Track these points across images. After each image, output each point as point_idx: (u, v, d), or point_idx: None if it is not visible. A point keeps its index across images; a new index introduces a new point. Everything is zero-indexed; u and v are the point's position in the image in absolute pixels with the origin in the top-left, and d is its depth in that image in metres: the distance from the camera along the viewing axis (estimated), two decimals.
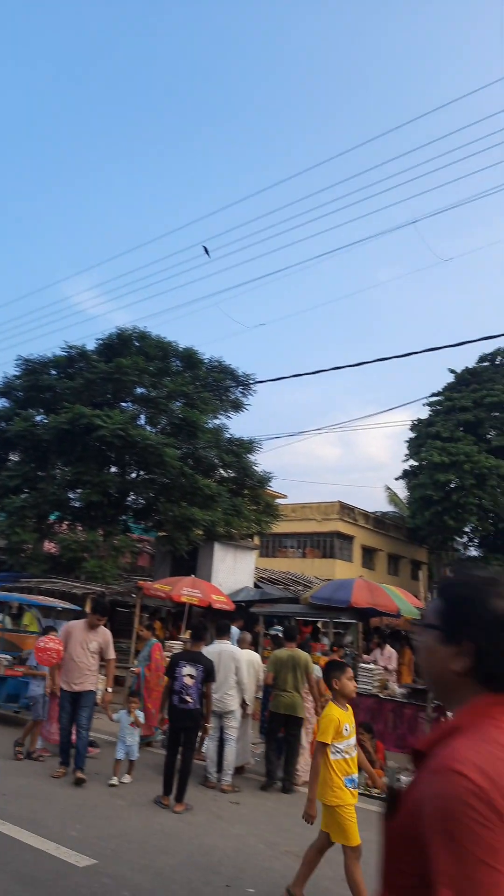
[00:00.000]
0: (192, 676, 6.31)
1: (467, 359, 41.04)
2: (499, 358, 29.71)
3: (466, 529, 29.10)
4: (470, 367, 30.23)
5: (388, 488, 35.29)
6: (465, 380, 29.88)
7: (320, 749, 3.93)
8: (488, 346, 30.40)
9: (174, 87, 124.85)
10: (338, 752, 3.93)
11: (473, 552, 30.14)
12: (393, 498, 34.88)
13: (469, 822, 0.97)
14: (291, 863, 4.92)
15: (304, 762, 7.39)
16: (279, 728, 7.17)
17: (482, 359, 30.19)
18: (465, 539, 30.58)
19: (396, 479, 32.59)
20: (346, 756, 3.96)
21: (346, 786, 3.91)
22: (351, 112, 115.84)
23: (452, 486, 26.47)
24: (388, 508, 35.16)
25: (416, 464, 29.09)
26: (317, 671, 7.97)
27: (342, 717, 3.99)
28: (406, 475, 30.60)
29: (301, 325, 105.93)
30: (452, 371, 30.73)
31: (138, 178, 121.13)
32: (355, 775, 4.02)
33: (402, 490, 32.73)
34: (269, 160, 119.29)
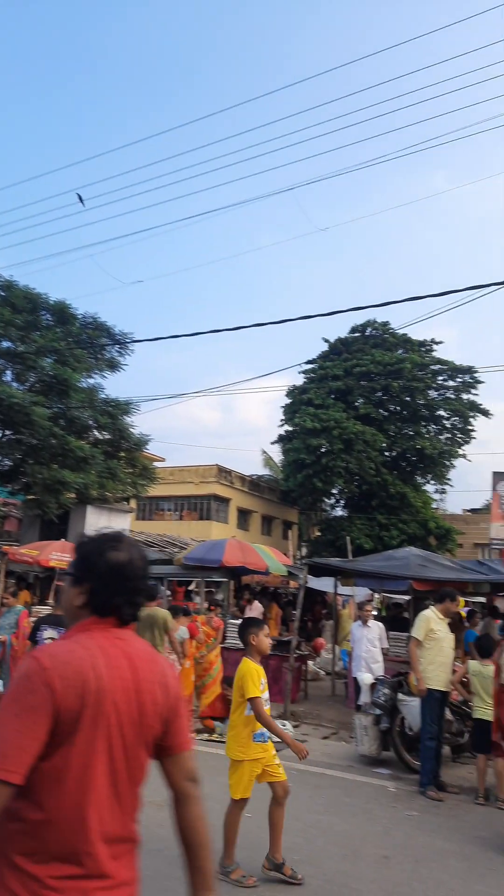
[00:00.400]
0: (53, 639, 6.20)
1: (341, 328, 42.71)
2: (368, 329, 31.18)
3: (334, 491, 30.70)
4: (342, 336, 31.49)
5: (265, 452, 36.30)
6: (337, 349, 31.08)
7: (257, 703, 3.91)
8: (359, 318, 31.79)
9: (55, 27, 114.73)
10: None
11: (339, 512, 31.96)
12: (268, 462, 35.93)
13: (22, 687, 1.39)
14: (153, 812, 5.06)
15: None
16: None
17: (353, 329, 31.52)
18: (332, 500, 32.29)
19: (272, 443, 33.52)
20: None
21: (253, 741, 3.98)
22: (240, 71, 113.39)
23: (323, 450, 27.69)
24: (264, 472, 36.22)
25: (290, 429, 30.03)
26: (183, 631, 8.17)
27: (259, 672, 4.04)
28: (281, 440, 31.52)
29: (181, 286, 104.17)
30: (326, 340, 31.86)
31: (7, 112, 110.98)
32: (265, 730, 4.07)
33: (277, 454, 33.79)
34: (152, 109, 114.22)
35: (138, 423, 30.49)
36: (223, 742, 7.50)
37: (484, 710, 5.87)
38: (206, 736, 7.82)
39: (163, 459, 26.45)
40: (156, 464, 21.78)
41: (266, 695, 4.05)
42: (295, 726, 8.37)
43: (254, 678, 3.95)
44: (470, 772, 6.49)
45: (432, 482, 31.59)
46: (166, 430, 68.76)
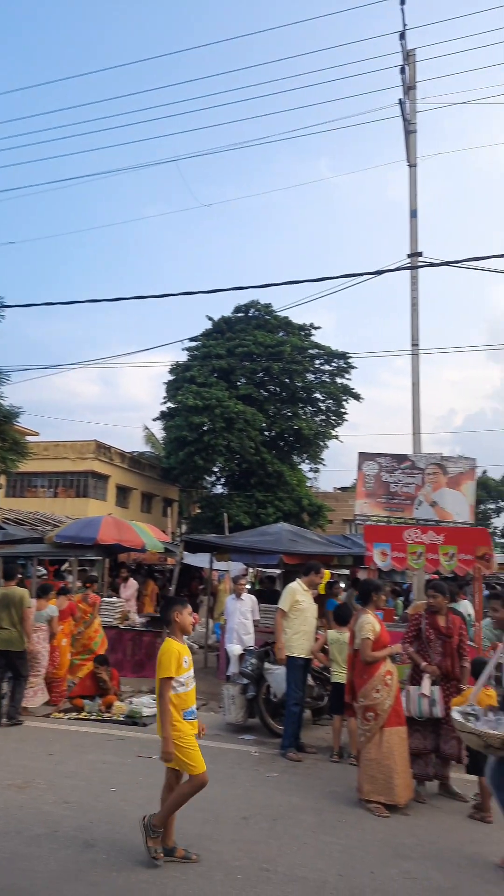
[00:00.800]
0: None
1: (225, 307, 42.81)
2: (252, 310, 31.54)
3: (215, 469, 31.03)
4: (226, 315, 31.61)
5: (147, 428, 35.75)
6: (220, 328, 31.17)
7: (165, 684, 3.87)
8: (243, 297, 32.04)
9: None
10: (179, 685, 3.92)
11: (220, 490, 32.39)
12: (150, 438, 35.45)
13: None
14: (13, 795, 4.95)
15: (30, 694, 7.57)
16: (2, 664, 7.20)
17: (237, 309, 31.75)
18: (213, 478, 32.63)
19: (154, 419, 33.11)
20: (186, 689, 3.97)
21: (184, 719, 3.93)
22: (132, 32, 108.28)
23: (205, 428, 27.82)
24: (146, 448, 35.71)
25: (173, 406, 29.82)
26: (51, 609, 7.96)
27: (181, 651, 3.98)
28: (163, 416, 31.23)
29: (58, 251, 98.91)
30: (210, 318, 31.81)
31: None
32: (194, 707, 4.03)
33: (159, 431, 33.43)
34: (35, 58, 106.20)
35: (9, 395, 28.79)
36: (91, 720, 7.47)
37: (340, 674, 6.30)
38: (74, 715, 7.70)
39: (37, 434, 25.24)
40: (29, 438, 20.71)
41: (190, 673, 4.02)
42: None
43: (173, 658, 3.91)
44: (328, 732, 6.94)
45: (307, 461, 32.91)
46: (41, 403, 65.55)
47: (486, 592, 7.08)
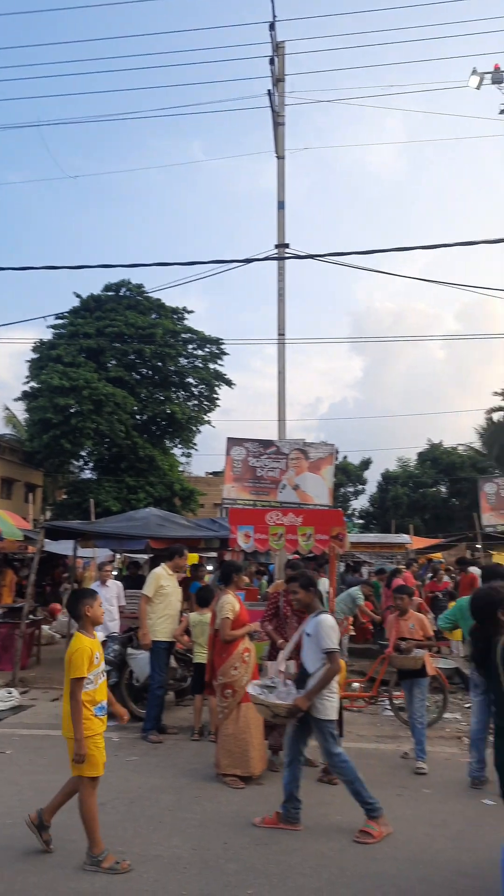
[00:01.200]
0: None
1: (94, 285, 41.22)
2: (123, 290, 30.64)
3: (83, 453, 29.97)
4: (95, 294, 30.43)
5: (7, 409, 33.58)
6: (89, 306, 29.96)
7: (77, 685, 3.67)
8: (113, 276, 30.97)
9: None
10: (88, 682, 3.75)
11: (88, 474, 31.38)
12: (11, 420, 33.37)
13: None
14: None
15: None
16: None
17: (107, 288, 30.67)
18: (81, 462, 31.52)
19: (16, 400, 31.09)
20: (95, 686, 3.79)
21: (95, 715, 3.76)
22: None
23: (72, 410, 26.71)
24: (6, 430, 33.57)
25: (36, 386, 28.26)
26: None
27: (93, 646, 3.81)
28: (26, 396, 29.50)
29: None
30: (78, 296, 30.47)
31: None
32: (104, 702, 3.86)
33: (21, 412, 31.54)
34: None
35: None
36: None
37: (202, 654, 6.42)
38: None
39: None
40: None
41: (101, 668, 3.87)
42: (23, 692, 8.15)
43: (85, 656, 3.74)
44: (190, 713, 7.05)
45: (179, 446, 32.82)
46: None
47: (342, 569, 7.53)
